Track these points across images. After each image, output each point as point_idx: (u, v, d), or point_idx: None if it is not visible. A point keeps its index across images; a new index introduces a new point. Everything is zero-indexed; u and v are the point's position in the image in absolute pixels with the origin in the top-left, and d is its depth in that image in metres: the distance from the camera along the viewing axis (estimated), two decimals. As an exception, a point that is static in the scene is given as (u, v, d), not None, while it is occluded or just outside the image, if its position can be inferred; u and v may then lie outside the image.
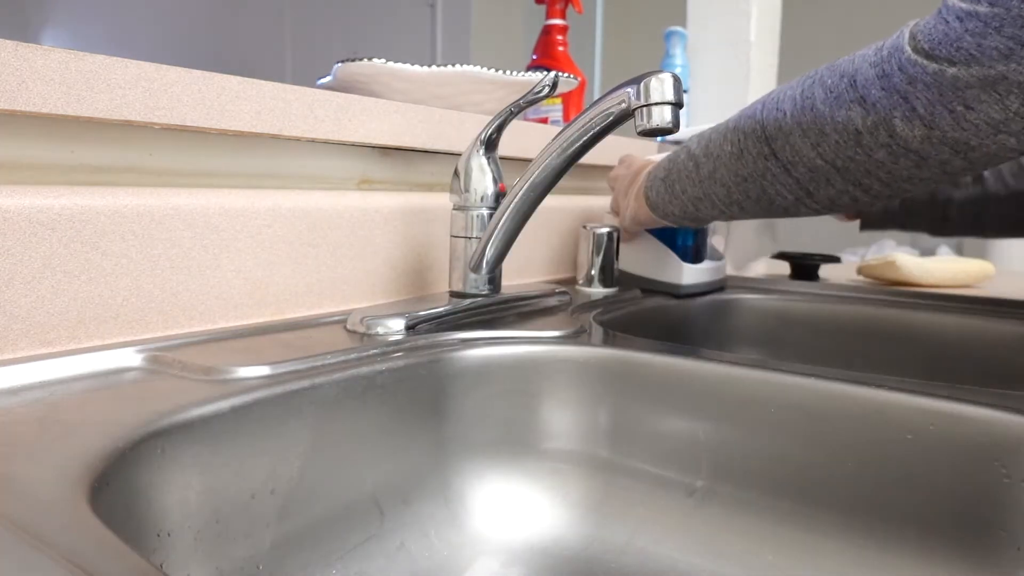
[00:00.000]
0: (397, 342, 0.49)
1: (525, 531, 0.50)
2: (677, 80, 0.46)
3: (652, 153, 0.92)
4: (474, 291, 0.59)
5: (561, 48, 1.03)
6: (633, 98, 0.47)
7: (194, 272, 0.49)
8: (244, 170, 0.54)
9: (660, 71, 0.47)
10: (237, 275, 0.51)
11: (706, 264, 0.80)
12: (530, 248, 0.80)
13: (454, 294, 0.60)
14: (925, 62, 0.46)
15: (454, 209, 0.59)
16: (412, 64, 0.67)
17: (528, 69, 1.01)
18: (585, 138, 0.50)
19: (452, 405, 0.50)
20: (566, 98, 1.01)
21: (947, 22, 0.45)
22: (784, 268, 1.01)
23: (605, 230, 0.75)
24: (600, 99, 0.49)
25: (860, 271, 0.95)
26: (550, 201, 0.81)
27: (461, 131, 0.68)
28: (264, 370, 0.41)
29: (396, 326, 0.52)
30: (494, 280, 0.60)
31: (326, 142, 0.58)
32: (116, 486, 0.30)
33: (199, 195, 0.49)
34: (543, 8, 1.04)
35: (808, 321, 0.82)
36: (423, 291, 0.66)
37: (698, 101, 1.23)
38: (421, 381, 0.48)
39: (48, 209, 0.41)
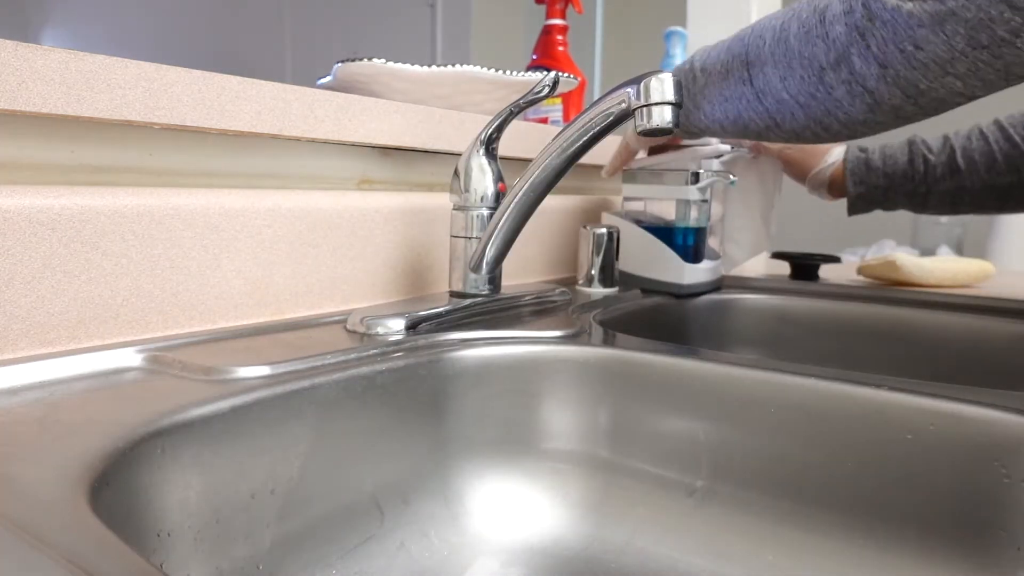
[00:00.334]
0: (397, 342, 0.49)
1: (525, 531, 0.50)
2: (677, 80, 0.46)
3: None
4: (474, 291, 0.59)
5: (561, 48, 1.03)
6: (633, 98, 0.47)
7: (194, 272, 0.49)
8: (244, 170, 0.54)
9: (660, 71, 0.47)
10: (237, 275, 0.51)
11: (705, 264, 0.80)
12: (530, 248, 0.80)
13: (454, 294, 0.60)
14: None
15: (454, 209, 0.59)
16: (412, 64, 0.67)
17: (528, 69, 1.01)
18: (585, 138, 0.51)
19: (452, 405, 0.50)
20: (566, 98, 1.02)
21: None
22: (784, 268, 1.01)
23: (605, 230, 0.75)
24: (600, 99, 0.49)
25: (860, 271, 0.95)
26: (550, 201, 0.81)
27: (461, 131, 0.68)
28: (264, 370, 0.41)
29: (396, 326, 0.52)
30: (494, 280, 0.60)
31: (326, 142, 0.58)
32: (116, 486, 0.30)
33: (199, 195, 0.49)
34: (543, 8, 1.04)
35: (808, 321, 0.82)
36: (423, 291, 0.66)
37: (698, 101, 1.22)
38: (421, 381, 0.48)
39: (48, 209, 0.41)
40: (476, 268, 0.58)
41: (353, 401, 0.44)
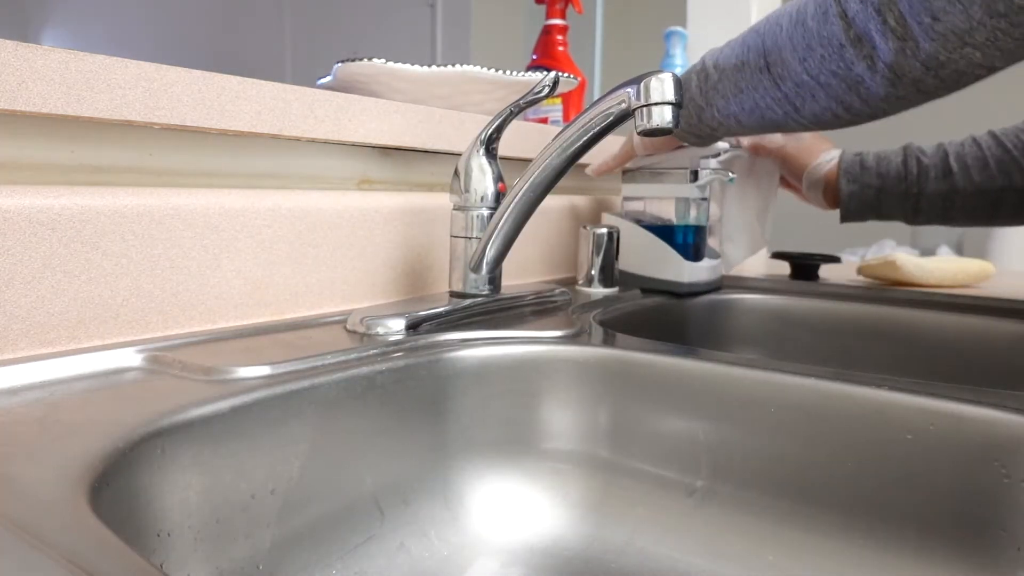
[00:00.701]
0: (397, 342, 0.49)
1: (525, 531, 0.50)
2: (677, 80, 0.46)
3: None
4: (474, 291, 0.59)
5: (561, 48, 1.03)
6: (633, 98, 0.47)
7: (194, 272, 0.49)
8: (244, 170, 0.54)
9: (660, 71, 0.47)
10: (237, 275, 0.51)
11: (706, 262, 0.80)
12: (530, 248, 0.80)
13: (454, 294, 0.60)
14: None
15: (454, 209, 0.59)
16: (412, 64, 0.67)
17: (528, 69, 1.01)
18: (585, 138, 0.50)
19: (452, 405, 0.50)
20: (566, 98, 1.01)
21: None
22: (784, 268, 1.01)
23: (605, 230, 0.75)
24: (600, 99, 0.49)
25: (860, 271, 0.95)
26: (550, 201, 0.81)
27: (461, 131, 0.68)
28: (264, 370, 0.41)
29: (396, 326, 0.52)
30: (494, 280, 0.60)
31: (326, 142, 0.58)
32: (116, 486, 0.30)
33: (199, 195, 0.49)
34: (543, 8, 1.04)
35: (808, 321, 0.82)
36: (423, 291, 0.66)
37: (698, 101, 1.23)
38: (421, 381, 0.48)
39: (48, 209, 0.41)
40: (476, 268, 0.58)
41: (353, 401, 0.44)
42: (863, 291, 0.85)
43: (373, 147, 0.63)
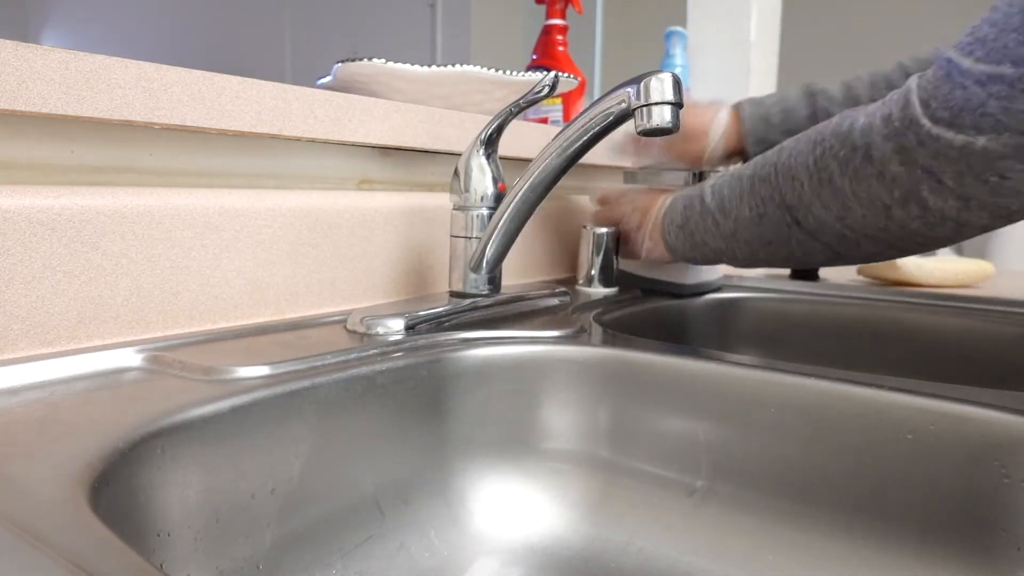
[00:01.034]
0: (397, 342, 0.49)
1: (525, 531, 0.50)
2: (677, 80, 0.46)
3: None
4: (474, 291, 0.59)
5: (561, 48, 1.03)
6: (633, 98, 0.47)
7: (194, 272, 0.49)
8: (244, 170, 0.54)
9: (660, 71, 0.47)
10: (237, 275, 0.51)
11: (706, 264, 0.80)
12: (530, 248, 0.80)
13: (454, 294, 0.60)
14: (950, 135, 0.43)
15: (454, 209, 0.59)
16: (412, 64, 0.67)
17: (528, 69, 1.01)
18: (585, 138, 0.50)
19: (452, 405, 0.50)
20: (566, 98, 1.01)
21: (964, 87, 0.42)
22: (784, 268, 1.01)
23: (605, 230, 0.75)
24: (600, 99, 0.49)
25: (860, 271, 0.95)
26: (550, 201, 0.81)
27: (461, 131, 0.68)
28: (264, 370, 0.41)
29: (396, 326, 0.52)
30: (494, 280, 0.60)
31: (326, 142, 0.58)
32: (116, 486, 0.30)
33: (199, 195, 0.49)
34: (543, 8, 1.04)
35: (808, 321, 0.82)
36: (423, 291, 0.66)
37: (698, 101, 1.23)
38: (421, 381, 0.48)
39: (48, 209, 0.41)
40: (476, 268, 0.58)
41: (353, 401, 0.44)
42: (863, 291, 0.85)
43: (373, 147, 0.63)
